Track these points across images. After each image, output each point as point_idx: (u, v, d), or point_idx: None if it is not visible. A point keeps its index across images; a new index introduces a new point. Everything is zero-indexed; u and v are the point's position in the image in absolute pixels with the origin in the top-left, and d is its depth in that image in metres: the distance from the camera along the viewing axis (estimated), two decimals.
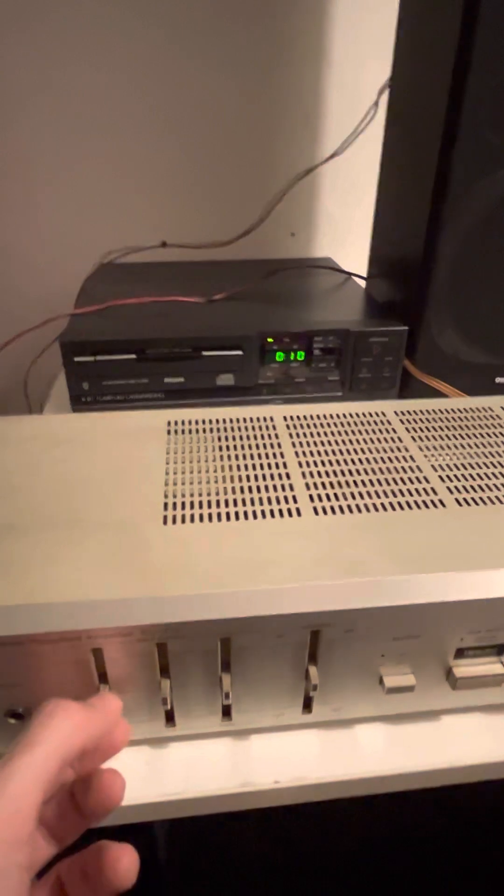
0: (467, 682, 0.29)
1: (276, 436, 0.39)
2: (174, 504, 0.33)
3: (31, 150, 0.75)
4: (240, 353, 0.55)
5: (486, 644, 0.29)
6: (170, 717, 0.29)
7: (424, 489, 0.34)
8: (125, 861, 0.22)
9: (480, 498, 0.33)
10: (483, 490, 0.34)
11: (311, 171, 0.67)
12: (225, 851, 0.81)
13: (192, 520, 0.31)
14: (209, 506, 0.32)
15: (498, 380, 0.59)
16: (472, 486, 0.34)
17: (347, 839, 0.82)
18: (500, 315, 0.55)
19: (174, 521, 0.31)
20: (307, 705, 0.30)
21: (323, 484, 0.34)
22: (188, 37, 0.71)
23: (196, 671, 0.27)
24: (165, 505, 0.32)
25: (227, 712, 0.29)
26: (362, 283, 0.70)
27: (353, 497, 0.33)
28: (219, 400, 0.57)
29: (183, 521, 0.31)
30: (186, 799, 0.28)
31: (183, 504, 0.33)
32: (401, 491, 0.34)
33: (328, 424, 0.41)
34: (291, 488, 0.34)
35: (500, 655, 0.29)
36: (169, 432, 0.40)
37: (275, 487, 0.34)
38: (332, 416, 0.41)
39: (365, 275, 0.71)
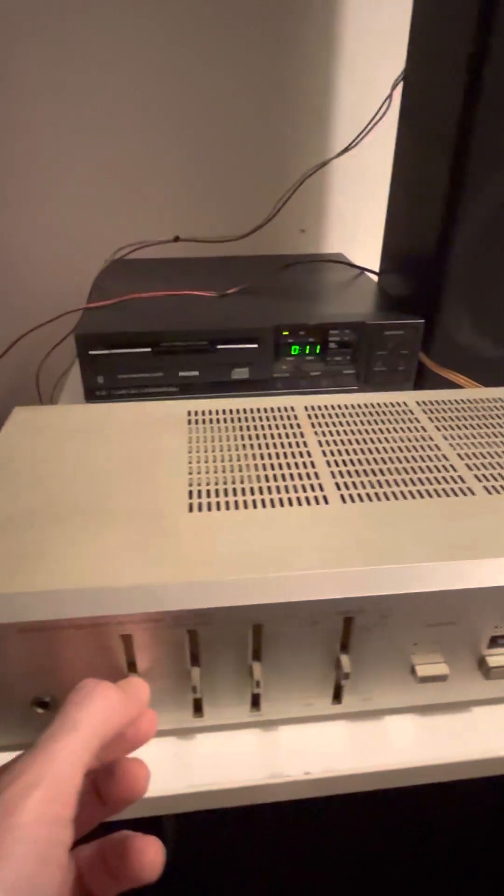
0: (501, 671, 0.28)
1: (298, 425, 0.39)
2: (199, 492, 0.32)
3: (42, 147, 0.75)
4: (255, 346, 0.55)
5: None
6: (198, 707, 0.29)
7: (452, 477, 0.33)
8: (151, 853, 0.22)
9: None
10: None
11: (324, 165, 0.67)
12: (228, 851, 0.80)
13: (219, 507, 0.31)
14: (235, 494, 0.32)
15: None
16: (500, 475, 0.34)
17: (350, 836, 0.81)
18: None
19: (200, 509, 0.31)
20: (337, 695, 0.29)
21: (349, 472, 0.34)
22: (200, 33, 0.71)
23: (226, 659, 0.27)
24: (190, 493, 0.32)
25: (256, 702, 0.29)
26: (374, 278, 0.70)
27: (381, 485, 0.33)
28: (233, 394, 0.57)
29: (209, 508, 0.31)
30: (216, 790, 0.28)
31: (208, 492, 0.32)
32: (428, 479, 0.33)
33: (350, 414, 0.40)
34: (317, 476, 0.33)
35: None
36: (190, 422, 0.39)
37: (300, 476, 0.34)
38: (353, 406, 0.41)
39: (377, 269, 0.70)
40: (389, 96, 0.63)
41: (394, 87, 0.62)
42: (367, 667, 0.28)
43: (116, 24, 0.70)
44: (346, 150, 0.66)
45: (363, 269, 0.71)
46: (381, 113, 0.64)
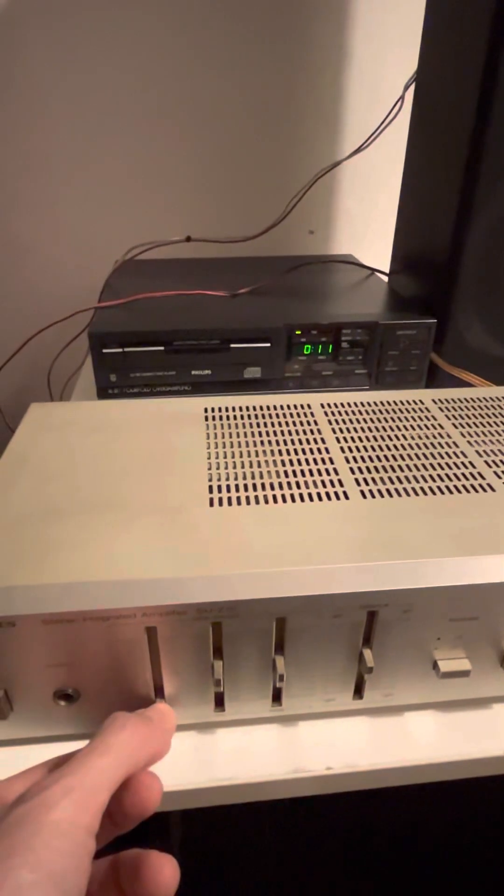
0: None
1: (316, 422, 0.39)
2: (219, 487, 0.32)
3: (54, 147, 0.75)
4: (267, 345, 0.55)
5: None
6: (220, 701, 0.29)
7: (472, 474, 0.33)
8: (167, 872, 0.22)
9: None
10: None
11: (335, 166, 0.67)
12: (233, 847, 0.80)
13: (239, 502, 0.31)
14: (255, 489, 0.32)
15: None
16: None
17: (353, 831, 0.81)
18: None
19: (221, 504, 0.31)
20: (358, 690, 0.29)
21: (368, 469, 0.34)
22: (211, 35, 0.71)
23: (249, 653, 0.27)
24: (210, 488, 0.32)
25: (277, 697, 0.29)
26: (384, 279, 0.70)
27: (401, 481, 0.33)
28: (246, 393, 0.57)
29: (230, 503, 0.31)
30: (238, 784, 0.28)
31: (228, 487, 0.32)
32: (448, 475, 0.33)
33: (367, 412, 0.40)
34: (336, 472, 0.33)
35: None
36: (207, 418, 0.39)
37: (319, 472, 0.34)
38: (370, 404, 0.41)
39: (387, 270, 0.71)
40: (401, 97, 0.63)
41: (406, 88, 0.63)
42: (390, 662, 0.28)
43: (128, 26, 0.70)
44: (358, 151, 0.66)
45: (373, 270, 0.71)
46: (392, 114, 0.64)
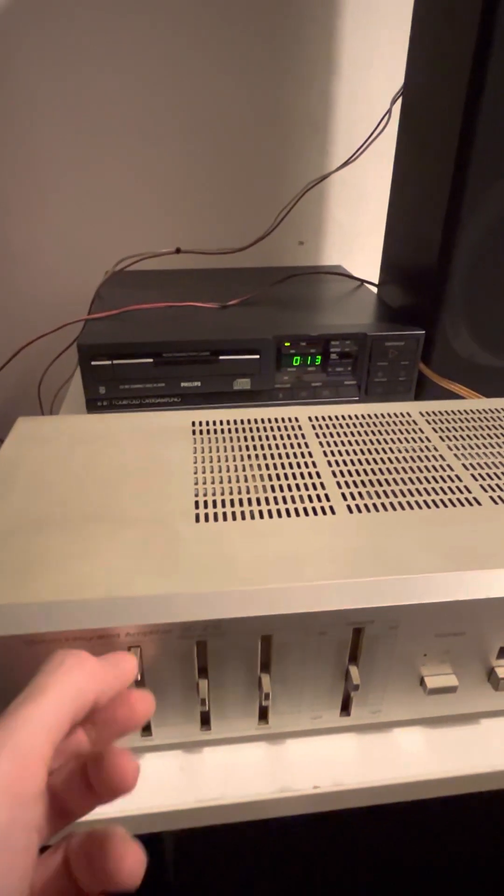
0: None
1: (303, 435, 0.39)
2: (205, 502, 0.32)
3: (45, 157, 0.76)
4: (257, 357, 0.55)
5: None
6: (205, 720, 0.28)
7: (458, 487, 0.34)
8: (129, 860, 0.19)
9: None
10: None
11: (324, 178, 0.68)
12: (233, 856, 0.79)
13: (225, 518, 0.31)
14: (241, 504, 0.32)
15: None
16: None
17: (353, 844, 0.80)
18: None
19: (207, 519, 0.31)
20: (346, 707, 0.29)
21: (355, 482, 0.34)
22: (202, 47, 0.72)
23: (235, 671, 0.27)
24: (196, 503, 0.32)
25: (264, 715, 0.28)
26: (374, 290, 0.71)
27: (387, 495, 0.33)
28: (235, 405, 0.57)
29: (216, 518, 0.31)
30: (225, 805, 0.27)
31: (214, 502, 0.32)
32: (434, 490, 0.33)
33: (354, 424, 0.40)
34: (323, 486, 0.33)
35: None
36: (194, 432, 0.39)
37: (306, 486, 0.34)
38: (357, 417, 0.41)
39: (376, 281, 0.71)
40: (389, 111, 0.64)
41: (393, 101, 0.63)
42: (376, 678, 0.28)
43: (120, 37, 0.71)
44: (346, 163, 0.67)
45: (362, 281, 0.72)
46: (380, 127, 0.65)
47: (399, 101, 0.62)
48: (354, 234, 0.86)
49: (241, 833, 0.80)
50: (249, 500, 0.32)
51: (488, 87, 0.46)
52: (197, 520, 0.31)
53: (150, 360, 0.54)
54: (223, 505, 0.32)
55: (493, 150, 0.48)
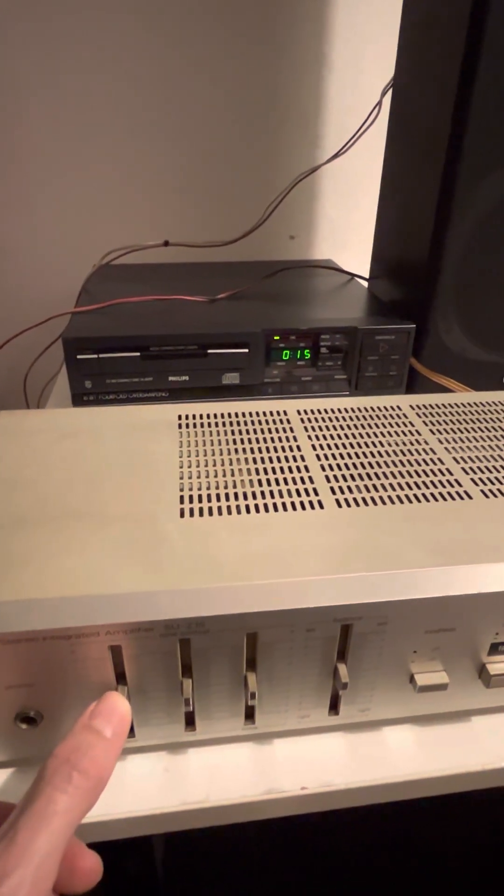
0: (502, 679, 0.28)
1: (291, 429, 0.38)
2: (191, 497, 0.31)
3: (32, 150, 0.74)
4: (246, 351, 0.54)
5: None
6: (190, 721, 0.27)
7: (448, 481, 0.33)
8: (81, 869, 0.21)
9: None
10: None
11: (314, 170, 0.67)
12: (224, 857, 0.78)
13: (211, 513, 0.30)
14: (227, 499, 0.31)
15: None
16: (497, 479, 0.33)
17: (350, 843, 0.80)
18: None
19: (192, 514, 0.30)
20: (334, 706, 0.28)
21: (343, 476, 0.33)
22: (190, 39, 0.71)
23: (220, 670, 0.26)
24: (182, 498, 0.31)
25: (250, 714, 0.28)
26: (364, 284, 0.70)
27: (377, 489, 0.32)
28: (224, 399, 0.56)
29: (201, 514, 0.30)
30: (209, 808, 0.26)
31: (200, 497, 0.31)
32: (424, 483, 0.33)
33: (344, 418, 0.39)
34: (311, 480, 0.33)
35: None
36: (180, 426, 0.38)
37: (294, 480, 0.33)
38: (346, 410, 0.40)
39: (367, 275, 0.70)
40: (379, 103, 0.63)
41: (383, 93, 0.63)
42: (365, 676, 0.27)
43: (108, 31, 0.69)
44: (336, 156, 0.66)
45: (353, 275, 0.71)
46: (370, 120, 0.64)
47: (389, 94, 0.62)
48: (346, 228, 0.85)
49: (235, 831, 0.80)
50: (236, 495, 0.31)
51: (478, 80, 0.46)
52: (182, 515, 0.30)
53: (137, 353, 0.53)
54: (209, 500, 0.31)
55: (483, 144, 0.48)
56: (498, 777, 0.28)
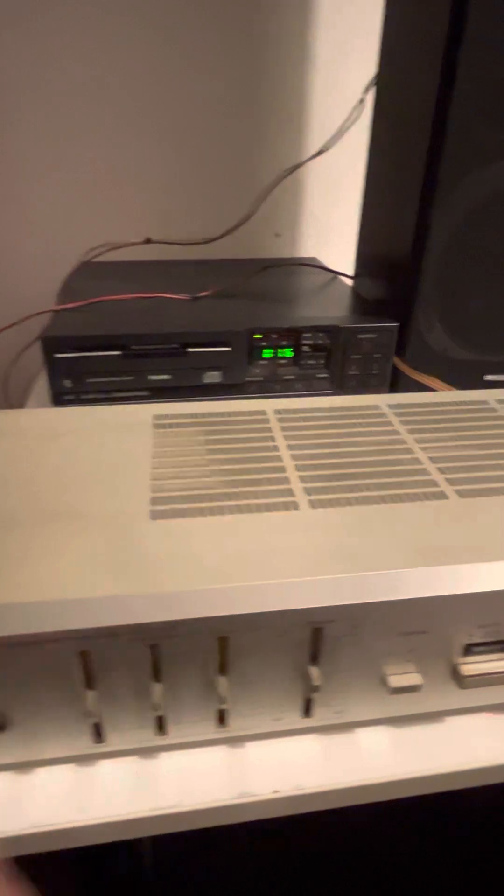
0: (475, 680, 0.27)
1: (269, 429, 0.38)
2: (163, 499, 0.31)
3: (12, 147, 0.73)
4: (227, 349, 0.54)
5: (494, 640, 0.27)
6: (161, 725, 0.27)
7: (425, 481, 0.33)
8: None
9: (482, 489, 0.32)
10: (485, 482, 0.33)
11: (297, 167, 0.66)
12: (214, 857, 0.78)
13: (183, 515, 0.30)
14: (200, 500, 0.31)
15: (487, 377, 0.58)
16: (473, 478, 0.33)
17: (341, 843, 0.80)
18: (490, 312, 0.55)
19: (163, 517, 0.29)
20: (307, 709, 0.28)
21: (320, 477, 0.33)
22: (174, 34, 0.70)
23: (190, 674, 0.26)
24: (154, 500, 0.31)
25: (222, 718, 0.27)
26: (349, 282, 0.70)
27: (352, 490, 0.32)
28: (206, 398, 0.56)
29: (172, 516, 0.30)
30: (180, 812, 0.26)
31: (172, 499, 0.31)
32: (401, 483, 0.33)
33: (322, 418, 0.39)
34: (287, 481, 0.32)
35: None
36: (157, 426, 0.38)
37: (269, 481, 0.32)
38: (325, 410, 0.40)
39: (351, 274, 0.70)
40: (362, 100, 0.63)
41: (366, 90, 0.62)
42: (339, 679, 0.27)
43: (91, 27, 0.68)
44: (319, 153, 0.66)
45: (337, 273, 0.71)
46: (353, 116, 0.64)
47: (373, 91, 0.61)
48: (331, 225, 0.85)
49: (224, 830, 0.79)
50: (209, 496, 0.31)
51: (459, 77, 0.45)
52: (153, 517, 0.29)
53: (117, 352, 0.52)
54: (181, 501, 0.31)
55: (464, 142, 0.47)
56: (470, 778, 0.28)
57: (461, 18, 0.44)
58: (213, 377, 0.55)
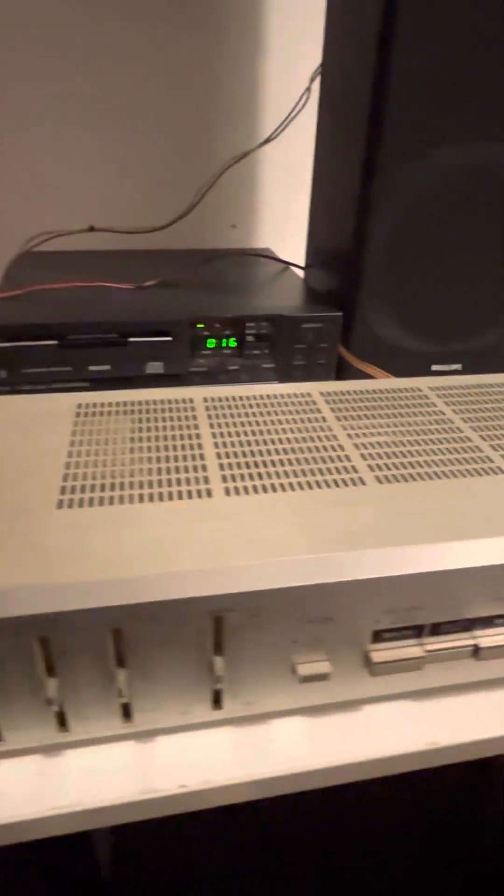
0: (385, 667, 0.27)
1: (195, 417, 0.37)
2: (73, 488, 0.30)
3: None
4: (169, 339, 0.53)
5: (403, 625, 0.27)
6: (62, 721, 0.26)
7: (345, 467, 0.32)
8: None
9: (401, 475, 0.32)
10: (405, 467, 0.32)
11: (245, 156, 0.66)
12: (173, 856, 0.77)
13: (92, 503, 0.29)
14: (112, 489, 0.30)
15: (434, 367, 0.58)
16: (394, 464, 0.33)
17: (302, 837, 0.80)
18: (434, 301, 0.55)
19: (71, 506, 0.28)
20: (216, 700, 0.27)
21: (239, 464, 0.32)
22: (121, 18, 0.69)
23: (87, 668, 0.25)
24: (63, 489, 0.30)
25: (127, 712, 0.27)
26: (301, 273, 0.69)
27: (270, 476, 0.31)
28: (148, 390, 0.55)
29: (81, 504, 0.29)
30: (80, 811, 0.25)
31: (83, 487, 0.30)
32: (320, 470, 0.32)
33: (251, 405, 0.39)
34: (204, 469, 0.32)
35: (419, 637, 0.27)
36: (78, 415, 0.37)
37: (186, 469, 0.32)
38: (255, 398, 0.39)
39: (303, 264, 0.70)
40: (308, 89, 0.62)
41: (312, 79, 0.62)
42: (246, 669, 0.27)
43: (35, 8, 0.67)
44: (267, 141, 0.65)
45: (289, 264, 0.70)
46: (299, 106, 0.63)
47: (319, 79, 0.61)
48: (287, 216, 0.84)
49: (184, 827, 0.79)
50: (122, 485, 0.30)
51: (394, 68, 0.45)
52: (60, 506, 0.28)
53: (54, 342, 0.51)
54: (92, 490, 0.30)
55: (403, 130, 0.47)
56: (386, 766, 0.28)
57: (394, 5, 0.43)
58: (155, 368, 0.54)
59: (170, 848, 0.78)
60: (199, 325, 0.53)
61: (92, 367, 0.53)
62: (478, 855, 0.79)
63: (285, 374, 0.57)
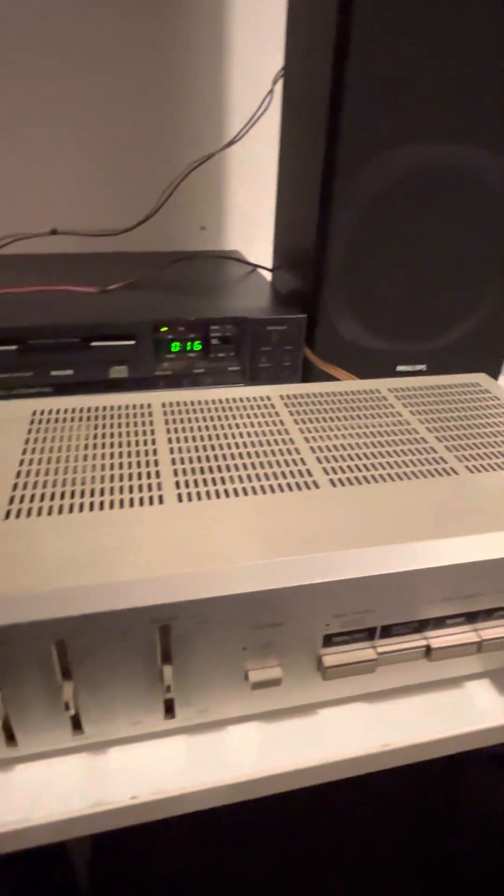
0: (338, 670, 0.27)
1: (151, 422, 0.37)
2: (22, 497, 0.29)
3: None
4: (132, 342, 0.53)
5: (354, 629, 0.27)
6: (10, 736, 0.26)
7: (300, 471, 0.32)
8: None
9: (355, 478, 0.32)
10: (359, 470, 0.32)
11: (209, 158, 0.65)
12: (150, 862, 0.77)
13: (40, 513, 0.28)
14: (62, 497, 0.29)
15: (400, 367, 0.59)
16: (348, 467, 0.33)
17: (285, 841, 0.80)
18: (396, 301, 0.55)
19: (18, 515, 0.28)
20: (169, 710, 0.27)
21: (192, 470, 0.32)
22: (83, 18, 0.68)
23: (31, 681, 0.24)
24: (12, 499, 0.29)
25: (77, 725, 0.26)
26: (268, 276, 0.69)
27: (223, 482, 0.31)
28: (110, 394, 0.54)
29: (29, 514, 0.28)
30: (28, 828, 0.25)
31: (32, 497, 0.29)
32: (274, 474, 0.32)
33: (209, 410, 0.38)
34: (157, 475, 0.31)
35: (370, 640, 0.28)
36: (32, 422, 0.36)
37: (139, 475, 0.31)
38: (214, 402, 0.39)
39: (271, 266, 0.70)
40: (271, 91, 0.62)
41: (275, 81, 0.62)
42: (197, 677, 0.26)
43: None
44: (231, 143, 0.65)
45: (256, 266, 0.70)
46: (263, 107, 0.63)
47: (282, 81, 0.61)
48: (257, 219, 0.84)
49: (164, 832, 0.78)
50: (72, 493, 0.30)
51: (351, 69, 0.45)
52: (7, 516, 0.28)
53: (14, 346, 0.50)
54: (41, 499, 0.29)
55: (361, 131, 0.47)
56: (340, 769, 0.28)
57: (349, 7, 0.44)
58: (119, 372, 0.54)
59: (147, 859, 0.78)
60: (163, 329, 0.53)
61: (54, 373, 0.52)
62: (456, 854, 0.80)
63: (251, 377, 0.57)
